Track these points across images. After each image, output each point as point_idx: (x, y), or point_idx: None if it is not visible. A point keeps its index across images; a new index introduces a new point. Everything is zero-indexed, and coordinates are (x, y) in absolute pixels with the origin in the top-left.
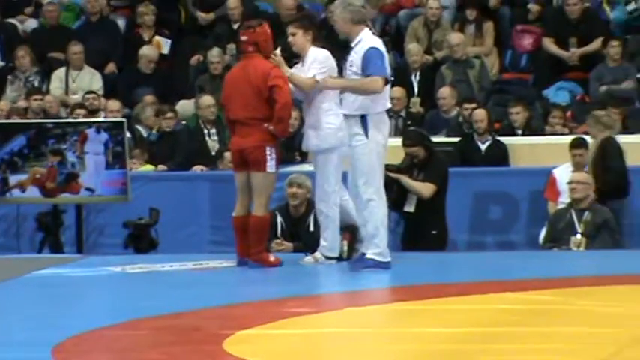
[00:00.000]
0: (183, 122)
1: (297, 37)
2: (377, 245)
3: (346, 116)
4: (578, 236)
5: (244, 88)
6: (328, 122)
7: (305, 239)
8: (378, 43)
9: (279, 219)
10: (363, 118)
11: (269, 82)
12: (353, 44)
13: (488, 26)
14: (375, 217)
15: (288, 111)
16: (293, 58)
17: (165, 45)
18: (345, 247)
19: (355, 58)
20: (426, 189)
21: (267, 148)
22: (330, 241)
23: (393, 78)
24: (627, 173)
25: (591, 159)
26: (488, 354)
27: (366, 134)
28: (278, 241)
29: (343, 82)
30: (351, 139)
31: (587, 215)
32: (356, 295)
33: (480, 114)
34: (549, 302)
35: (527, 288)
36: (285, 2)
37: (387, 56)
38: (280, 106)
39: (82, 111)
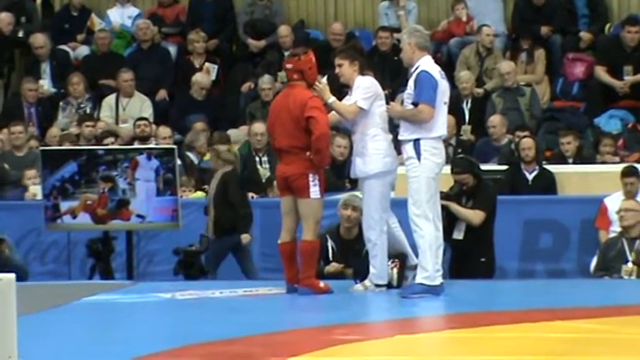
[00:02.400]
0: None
1: (344, 68)
2: (425, 269)
3: (402, 141)
4: (630, 265)
5: (285, 118)
6: (374, 148)
7: (355, 264)
8: (434, 70)
9: (330, 242)
10: (416, 143)
11: (305, 113)
12: (412, 70)
13: (540, 54)
14: (422, 240)
15: (324, 142)
16: (343, 88)
17: (212, 71)
18: (395, 275)
19: (410, 82)
20: (476, 216)
21: (310, 175)
22: (379, 268)
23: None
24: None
25: (213, 192)
26: None
27: (418, 158)
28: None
29: (400, 111)
30: (405, 164)
31: (638, 244)
32: (405, 323)
33: (528, 142)
34: (600, 331)
35: (578, 316)
36: (334, 29)
37: (441, 83)
38: (316, 138)
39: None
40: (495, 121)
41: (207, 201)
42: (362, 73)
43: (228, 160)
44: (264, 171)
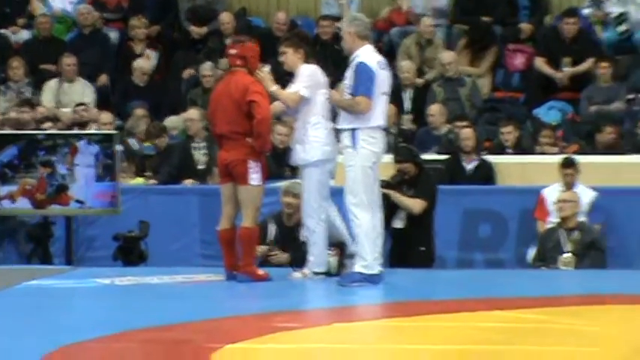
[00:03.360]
0: (173, 134)
1: (288, 56)
2: (363, 257)
3: (340, 130)
4: (567, 255)
5: (226, 103)
6: (314, 136)
7: (294, 251)
8: (373, 60)
9: (272, 226)
10: (354, 132)
11: (247, 98)
12: (351, 58)
13: (492, 51)
14: (359, 229)
15: (266, 126)
16: (285, 76)
17: (151, 57)
18: (334, 263)
19: (349, 72)
20: (417, 205)
21: (251, 162)
22: (317, 256)
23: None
24: None
25: None
26: None
27: (355, 147)
28: (274, 253)
29: (338, 100)
30: (343, 152)
31: (576, 234)
32: (343, 311)
33: (467, 133)
34: (537, 321)
35: (516, 306)
36: (278, 18)
37: (380, 73)
38: (257, 122)
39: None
40: (434, 109)
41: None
42: (306, 61)
43: None
44: (201, 157)
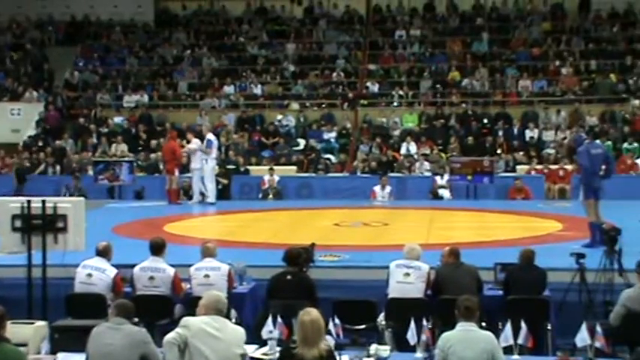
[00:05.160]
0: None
1: (191, 137)
2: (210, 197)
3: (204, 158)
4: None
5: (167, 150)
6: (196, 159)
7: (190, 194)
8: (213, 137)
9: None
10: (207, 160)
11: (174, 150)
12: (206, 137)
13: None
14: (209, 191)
15: (181, 158)
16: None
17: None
18: (201, 199)
19: (205, 140)
20: (226, 180)
21: (175, 169)
22: (196, 195)
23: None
24: None
25: None
26: (255, 227)
27: (207, 164)
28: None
29: (203, 149)
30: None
31: None
32: (205, 212)
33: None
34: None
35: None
36: (185, 127)
37: (215, 142)
38: (177, 156)
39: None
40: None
41: None
42: (195, 137)
43: None
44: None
